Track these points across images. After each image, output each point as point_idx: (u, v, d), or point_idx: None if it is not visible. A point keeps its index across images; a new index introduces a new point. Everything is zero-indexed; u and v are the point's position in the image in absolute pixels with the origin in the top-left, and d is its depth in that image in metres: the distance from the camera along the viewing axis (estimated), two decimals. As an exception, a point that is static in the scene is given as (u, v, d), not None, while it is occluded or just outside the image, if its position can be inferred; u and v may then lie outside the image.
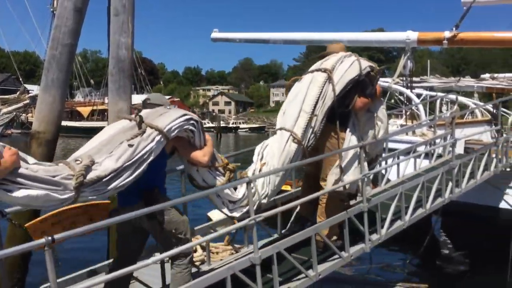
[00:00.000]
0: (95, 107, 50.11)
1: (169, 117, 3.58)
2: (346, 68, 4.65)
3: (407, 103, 11.16)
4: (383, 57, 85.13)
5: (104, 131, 3.56)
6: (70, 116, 50.61)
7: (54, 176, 2.91)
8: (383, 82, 10.81)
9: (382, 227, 5.04)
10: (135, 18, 6.32)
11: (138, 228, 3.65)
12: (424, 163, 8.26)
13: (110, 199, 3.56)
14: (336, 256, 4.49)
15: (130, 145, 3.28)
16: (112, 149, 3.27)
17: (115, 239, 6.56)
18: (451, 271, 9.01)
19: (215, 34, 12.70)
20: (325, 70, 4.63)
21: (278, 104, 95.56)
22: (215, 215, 10.66)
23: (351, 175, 4.62)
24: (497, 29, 9.46)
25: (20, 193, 2.77)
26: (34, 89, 31.46)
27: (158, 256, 3.46)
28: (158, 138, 3.43)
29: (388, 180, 7.41)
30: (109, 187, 3.15)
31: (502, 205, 8.45)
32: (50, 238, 2.52)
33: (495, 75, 13.79)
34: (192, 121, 3.68)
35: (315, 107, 4.48)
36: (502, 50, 63.21)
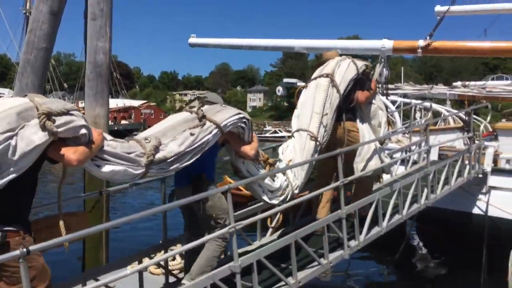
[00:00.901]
0: (68, 111, 48.99)
1: (226, 114, 4.05)
2: (345, 69, 5.46)
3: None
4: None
5: (168, 119, 4.11)
6: (43, 121, 49.44)
7: (129, 153, 3.32)
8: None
9: (360, 233, 5.09)
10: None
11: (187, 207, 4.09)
12: (400, 170, 8.42)
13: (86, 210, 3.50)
14: (316, 263, 4.51)
15: (192, 134, 3.76)
16: (175, 134, 3.73)
17: (92, 247, 6.46)
18: (426, 276, 9.15)
19: (193, 40, 12.63)
20: (327, 75, 5.39)
21: (255, 109, 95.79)
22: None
23: (374, 161, 5.39)
24: (468, 38, 9.75)
25: (106, 168, 3.17)
26: (5, 92, 30.67)
27: (135, 267, 3.42)
28: (215, 131, 3.91)
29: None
30: (171, 168, 3.61)
31: (475, 210, 8.66)
32: (25, 250, 2.47)
33: (467, 83, 14.15)
34: (244, 119, 4.17)
35: (324, 107, 5.18)
36: (472, 59, 65.19)
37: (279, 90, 11.10)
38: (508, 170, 8.84)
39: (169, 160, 3.56)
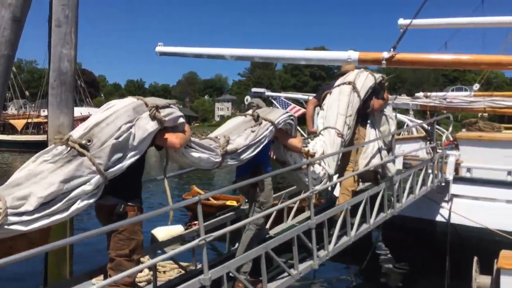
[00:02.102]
0: (30, 120, 47.32)
1: (278, 113, 4.89)
2: (364, 79, 6.42)
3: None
4: (325, 74, 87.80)
5: (228, 123, 4.87)
6: (3, 129, 47.64)
7: (210, 145, 4.14)
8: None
9: (329, 243, 5.13)
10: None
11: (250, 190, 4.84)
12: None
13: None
14: (286, 274, 4.51)
15: (253, 131, 4.56)
16: (239, 132, 4.52)
17: (54, 261, 6.22)
18: (392, 283, 9.31)
19: (160, 48, 12.47)
20: (349, 83, 6.30)
21: (223, 119, 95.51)
22: (160, 233, 10.40)
23: (376, 159, 6.29)
24: (430, 51, 10.08)
25: (195, 154, 3.93)
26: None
27: (101, 283, 3.31)
28: (271, 128, 4.69)
29: (334, 196, 7.59)
30: (240, 158, 4.39)
31: (438, 218, 8.89)
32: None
33: (428, 94, 14.57)
34: (291, 117, 4.98)
35: (347, 109, 6.07)
36: (433, 71, 67.51)
37: (247, 99, 11.13)
38: (469, 178, 9.13)
39: (238, 151, 4.37)
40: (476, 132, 10.18)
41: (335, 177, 6.16)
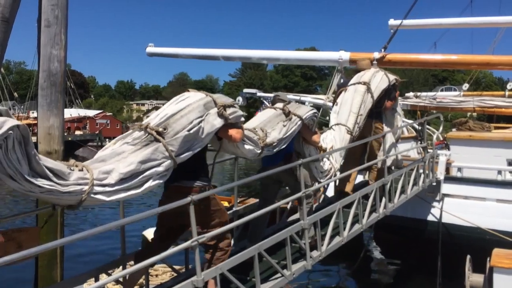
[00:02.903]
0: (19, 122, 46.77)
1: (305, 109, 5.42)
2: (379, 80, 6.91)
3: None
4: (316, 74, 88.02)
5: (260, 115, 5.29)
6: (-9, 131, 47.08)
7: (253, 137, 4.63)
8: (317, 99, 11.16)
9: (322, 243, 5.12)
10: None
11: (276, 181, 5.37)
12: (359, 179, 8.57)
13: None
14: (279, 275, 4.49)
15: (284, 125, 5.07)
16: (273, 126, 5.00)
17: (44, 264, 6.14)
18: (384, 283, 9.34)
19: (151, 49, 12.41)
20: (364, 83, 6.74)
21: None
22: (151, 234, 10.31)
23: (392, 153, 7.05)
24: (419, 51, 10.15)
25: (246, 146, 4.51)
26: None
27: (92, 285, 3.26)
28: (299, 122, 5.21)
29: (326, 197, 7.59)
30: (274, 150, 4.91)
31: (430, 217, 8.93)
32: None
33: (418, 93, 14.67)
34: (316, 114, 5.55)
35: (359, 109, 6.51)
36: (422, 70, 67.93)
37: (239, 100, 11.12)
38: (460, 178, 9.20)
39: (274, 144, 4.86)
40: (466, 131, 10.26)
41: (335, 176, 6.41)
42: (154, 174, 3.65)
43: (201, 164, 4.13)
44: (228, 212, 5.49)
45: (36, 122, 7.51)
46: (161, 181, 3.73)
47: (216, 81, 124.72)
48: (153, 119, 3.85)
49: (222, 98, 4.22)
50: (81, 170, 3.30)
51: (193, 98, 4.03)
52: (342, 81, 9.97)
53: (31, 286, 6.33)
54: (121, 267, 4.60)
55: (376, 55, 10.07)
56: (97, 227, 3.13)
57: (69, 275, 5.98)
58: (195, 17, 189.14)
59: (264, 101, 12.20)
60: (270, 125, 5.00)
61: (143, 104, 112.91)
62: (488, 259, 6.21)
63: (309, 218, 4.86)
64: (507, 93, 13.00)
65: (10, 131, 2.73)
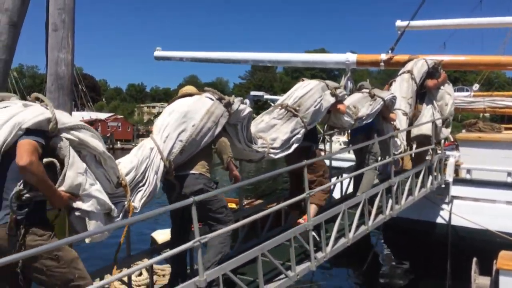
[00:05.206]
0: (31, 125, 47.26)
1: (386, 93, 7.17)
2: (420, 66, 8.45)
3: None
4: (326, 76, 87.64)
5: (352, 96, 6.81)
6: (4, 135, 47.68)
7: (349, 112, 6.27)
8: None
9: (327, 245, 5.10)
10: (75, 34, 6.08)
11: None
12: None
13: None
14: (283, 275, 4.49)
15: (370, 104, 6.63)
16: (362, 104, 6.57)
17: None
18: (393, 285, 9.27)
19: (158, 53, 12.48)
20: (408, 71, 8.35)
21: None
22: (160, 235, 10.39)
23: (427, 127, 7.90)
24: (428, 52, 10.07)
25: (346, 118, 6.16)
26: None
27: (97, 284, 3.30)
28: (382, 102, 6.80)
29: (332, 198, 7.56)
30: (362, 123, 6.46)
31: (438, 220, 8.86)
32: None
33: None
34: (394, 98, 7.32)
35: (407, 93, 8.01)
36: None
37: (246, 102, 11.12)
38: (469, 180, 9.11)
39: (363, 118, 6.43)
40: (476, 133, 10.16)
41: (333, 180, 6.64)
42: (296, 140, 5.34)
43: (315, 131, 5.86)
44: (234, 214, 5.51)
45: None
46: (298, 144, 5.36)
47: (226, 84, 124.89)
48: (287, 100, 5.55)
49: (332, 83, 5.93)
50: (260, 138, 5.06)
51: (313, 84, 5.71)
52: (350, 83, 9.97)
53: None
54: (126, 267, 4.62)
55: (384, 56, 10.03)
56: (102, 227, 3.16)
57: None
58: (204, 20, 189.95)
59: (272, 104, 12.23)
60: (359, 104, 6.52)
61: (153, 107, 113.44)
62: (494, 261, 6.15)
63: (313, 219, 4.85)
64: (518, 93, 12.85)
65: (248, 114, 4.64)
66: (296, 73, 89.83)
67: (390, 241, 10.30)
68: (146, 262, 3.74)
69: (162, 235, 10.09)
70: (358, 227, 5.73)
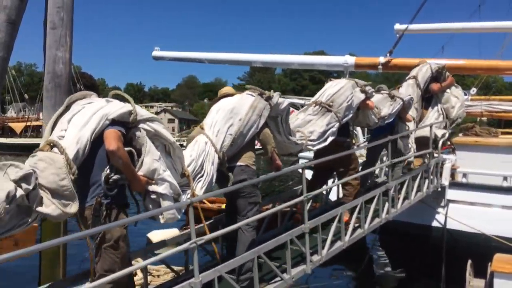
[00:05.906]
0: (29, 123, 47.08)
1: (404, 94, 7.64)
2: (424, 71, 8.82)
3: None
4: (324, 78, 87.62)
5: (373, 98, 6.86)
6: (2, 133, 47.49)
7: (374, 111, 6.83)
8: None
9: (323, 247, 5.10)
10: (73, 32, 6.07)
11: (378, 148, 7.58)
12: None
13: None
14: (278, 278, 4.48)
15: (391, 104, 7.15)
16: (383, 104, 7.06)
17: (48, 262, 6.18)
18: (389, 286, 9.26)
19: (157, 53, 12.46)
20: (413, 77, 8.71)
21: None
22: (155, 236, 10.36)
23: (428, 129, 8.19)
24: (426, 56, 10.07)
25: (372, 116, 6.72)
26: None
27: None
28: (401, 102, 7.37)
29: (330, 201, 7.56)
30: (384, 122, 6.99)
31: (434, 223, 8.86)
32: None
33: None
34: (412, 99, 7.85)
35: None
36: (432, 75, 67.43)
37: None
38: (465, 184, 9.11)
39: (385, 117, 6.94)
40: (472, 137, 10.16)
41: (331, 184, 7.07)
42: (331, 133, 5.87)
43: (348, 125, 6.51)
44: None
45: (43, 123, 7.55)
46: (333, 137, 5.87)
47: (225, 84, 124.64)
48: (321, 97, 6.14)
49: (360, 81, 6.51)
50: (297, 131, 5.58)
51: (343, 82, 6.28)
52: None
53: (35, 283, 6.36)
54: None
55: (382, 59, 10.06)
56: (97, 227, 3.15)
57: (72, 272, 6.02)
58: (203, 20, 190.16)
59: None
60: (380, 104, 7.01)
61: (152, 107, 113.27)
62: (489, 264, 6.16)
63: (309, 222, 4.84)
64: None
65: (287, 106, 4.99)
66: (295, 75, 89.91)
67: (386, 244, 10.30)
68: (142, 262, 3.71)
69: (158, 235, 10.07)
70: (354, 230, 5.73)
